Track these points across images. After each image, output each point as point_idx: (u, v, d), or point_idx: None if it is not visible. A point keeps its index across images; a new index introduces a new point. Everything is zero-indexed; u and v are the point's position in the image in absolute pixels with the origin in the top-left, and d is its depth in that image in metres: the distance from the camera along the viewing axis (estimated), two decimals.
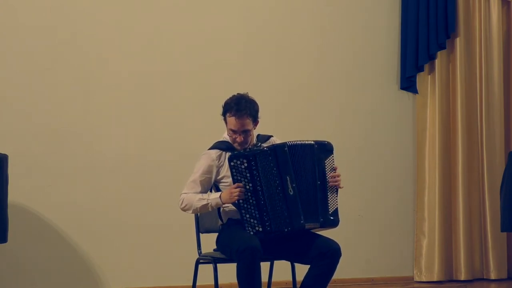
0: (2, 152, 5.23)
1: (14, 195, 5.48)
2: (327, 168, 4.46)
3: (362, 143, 6.61)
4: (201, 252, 4.73)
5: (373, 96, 6.71)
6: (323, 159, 4.45)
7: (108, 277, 6.02)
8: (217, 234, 4.61)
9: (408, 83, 6.70)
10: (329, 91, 6.60)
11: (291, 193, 4.34)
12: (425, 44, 6.63)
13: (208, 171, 4.50)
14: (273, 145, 4.44)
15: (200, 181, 4.49)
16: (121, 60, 6.09)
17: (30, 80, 5.92)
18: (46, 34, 5.94)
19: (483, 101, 6.78)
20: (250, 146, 4.50)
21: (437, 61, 6.71)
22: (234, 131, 4.46)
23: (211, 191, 4.59)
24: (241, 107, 4.44)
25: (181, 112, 6.21)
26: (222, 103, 6.22)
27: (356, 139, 6.59)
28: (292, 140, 4.42)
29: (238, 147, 4.48)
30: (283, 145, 4.38)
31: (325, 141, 4.50)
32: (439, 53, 6.70)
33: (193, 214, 4.77)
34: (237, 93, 4.55)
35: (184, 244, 5.69)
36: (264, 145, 4.53)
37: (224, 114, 4.51)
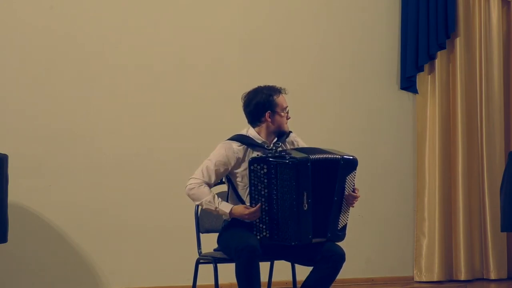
0: (2, 152, 5.23)
1: (14, 195, 5.48)
2: (347, 185, 4.39)
3: (362, 143, 6.61)
4: (201, 252, 4.73)
5: (373, 96, 6.71)
6: (345, 175, 4.38)
7: (108, 277, 6.02)
8: (218, 234, 4.59)
9: (408, 83, 6.70)
10: (329, 91, 6.60)
11: (305, 209, 4.27)
12: (425, 44, 6.63)
13: (226, 162, 4.42)
14: (296, 158, 4.28)
15: (215, 171, 4.41)
16: (122, 60, 6.09)
17: (30, 80, 5.91)
18: (46, 33, 5.94)
19: (483, 101, 6.78)
20: (271, 145, 4.46)
21: (437, 61, 6.71)
22: (286, 109, 4.51)
23: (221, 181, 4.56)
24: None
25: (182, 112, 6.20)
26: (222, 102, 6.26)
27: (356, 139, 6.59)
28: (316, 154, 4.33)
29: (288, 129, 4.52)
30: (306, 160, 4.27)
31: (351, 156, 4.40)
32: (439, 53, 6.70)
33: (193, 214, 4.77)
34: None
35: (184, 244, 5.68)
36: (287, 143, 4.53)
37: (269, 102, 4.45)
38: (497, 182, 6.40)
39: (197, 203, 4.46)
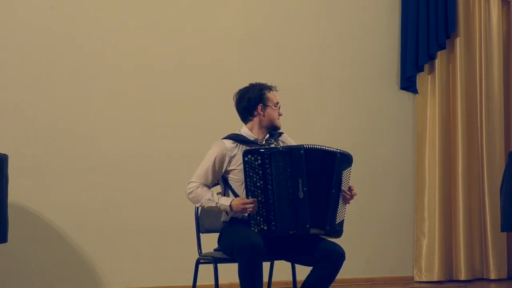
0: (2, 152, 5.23)
1: (14, 195, 5.48)
2: (344, 180, 4.45)
3: (362, 143, 6.61)
4: (201, 252, 4.73)
5: (373, 96, 6.71)
6: (342, 169, 4.44)
7: (108, 277, 6.02)
8: (218, 234, 4.60)
9: (408, 83, 6.71)
10: (329, 91, 6.60)
11: (301, 196, 4.31)
12: (425, 44, 6.63)
13: (221, 159, 4.48)
14: (289, 146, 4.43)
15: (212, 170, 4.47)
16: (122, 60, 6.09)
17: (30, 80, 5.91)
18: (46, 33, 5.94)
19: (483, 101, 6.78)
20: (264, 142, 4.52)
21: (437, 61, 6.72)
22: (278, 105, 4.58)
23: (217, 183, 4.59)
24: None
25: (182, 112, 6.21)
26: (222, 102, 6.25)
27: (356, 139, 6.59)
28: (309, 144, 4.39)
29: (280, 124, 4.57)
30: (299, 147, 4.35)
31: (347, 152, 4.49)
32: (439, 53, 6.70)
33: (193, 214, 4.78)
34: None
35: (184, 244, 5.69)
36: (280, 141, 4.57)
37: (261, 96, 4.54)
38: (497, 182, 6.41)
39: (198, 205, 4.52)
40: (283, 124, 5.91)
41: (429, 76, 6.75)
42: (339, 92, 6.64)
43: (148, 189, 6.09)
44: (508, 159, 5.60)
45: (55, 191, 5.91)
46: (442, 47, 6.67)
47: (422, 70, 6.70)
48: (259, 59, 6.40)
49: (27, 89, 5.91)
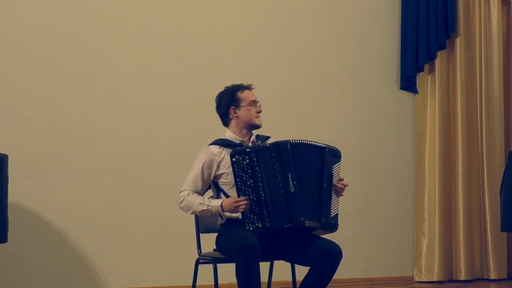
0: (2, 152, 5.23)
1: (14, 195, 5.48)
2: (334, 174, 4.47)
3: (362, 143, 6.62)
4: (201, 252, 4.73)
5: (373, 96, 6.71)
6: (331, 164, 4.46)
7: (108, 277, 6.02)
8: (216, 234, 4.61)
9: (408, 83, 6.71)
10: (329, 91, 6.60)
11: (292, 190, 4.31)
12: (425, 44, 6.63)
13: (209, 166, 4.49)
14: (275, 142, 4.43)
15: (201, 177, 4.49)
16: (122, 60, 6.09)
17: (30, 80, 5.92)
18: (46, 33, 5.94)
19: (483, 101, 6.78)
20: (250, 144, 4.53)
21: (437, 61, 6.72)
22: (254, 103, 4.55)
23: (209, 188, 4.60)
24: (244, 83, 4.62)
25: (182, 112, 6.21)
26: None
27: (356, 139, 6.59)
28: (296, 139, 4.41)
29: (260, 122, 4.55)
30: (285, 142, 4.36)
31: (335, 147, 4.52)
32: (439, 53, 6.70)
33: (193, 215, 4.78)
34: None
35: (184, 244, 5.68)
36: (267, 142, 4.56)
37: (232, 98, 4.56)
38: (497, 182, 6.41)
39: (190, 212, 4.50)
40: (284, 124, 5.94)
41: (429, 76, 6.75)
42: (339, 92, 6.64)
43: (148, 189, 6.09)
44: (508, 159, 5.60)
45: (55, 191, 5.91)
46: (442, 47, 6.67)
47: (422, 70, 6.70)
48: (259, 59, 6.40)
49: (27, 89, 5.91)
